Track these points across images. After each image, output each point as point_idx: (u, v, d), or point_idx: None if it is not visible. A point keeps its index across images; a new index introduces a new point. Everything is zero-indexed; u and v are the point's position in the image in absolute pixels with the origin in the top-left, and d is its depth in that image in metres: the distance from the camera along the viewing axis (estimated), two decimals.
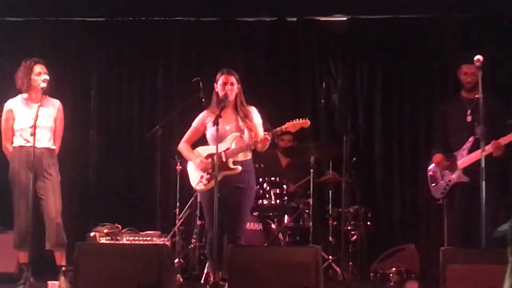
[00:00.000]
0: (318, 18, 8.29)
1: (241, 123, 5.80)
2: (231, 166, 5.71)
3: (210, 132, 5.81)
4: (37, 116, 6.04)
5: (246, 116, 5.82)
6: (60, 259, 6.37)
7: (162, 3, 7.94)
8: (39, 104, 6.18)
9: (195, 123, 5.99)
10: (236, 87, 5.82)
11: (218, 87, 5.85)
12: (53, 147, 6.53)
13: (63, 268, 6.02)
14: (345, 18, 8.27)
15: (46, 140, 6.46)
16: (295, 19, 8.32)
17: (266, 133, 5.66)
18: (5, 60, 7.95)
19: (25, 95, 6.48)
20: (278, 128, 5.69)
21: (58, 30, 8.33)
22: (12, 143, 6.45)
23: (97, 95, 8.37)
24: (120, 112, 8.39)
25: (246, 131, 5.80)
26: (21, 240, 6.27)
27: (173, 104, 8.12)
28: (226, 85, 5.78)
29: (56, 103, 6.63)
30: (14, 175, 6.38)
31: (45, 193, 6.38)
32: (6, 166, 6.50)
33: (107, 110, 8.38)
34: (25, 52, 7.89)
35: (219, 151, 5.63)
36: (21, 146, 6.36)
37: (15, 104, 6.50)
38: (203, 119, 5.94)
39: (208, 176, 5.75)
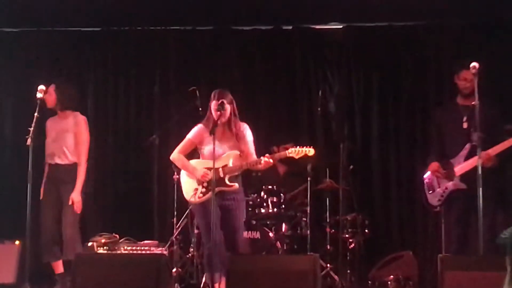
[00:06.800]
0: (313, 26, 8.29)
1: (237, 142, 5.85)
2: (228, 182, 5.78)
3: (208, 148, 5.78)
4: (33, 132, 6.06)
5: (240, 135, 5.87)
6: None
7: (158, 13, 7.93)
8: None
9: (191, 136, 5.96)
10: (229, 108, 5.80)
11: (212, 107, 5.85)
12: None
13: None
14: (340, 26, 8.28)
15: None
16: (290, 27, 8.32)
17: (268, 156, 5.71)
18: (1, 71, 7.98)
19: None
20: (282, 153, 5.82)
21: (54, 40, 8.33)
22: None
23: (93, 105, 8.37)
24: (116, 121, 8.38)
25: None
26: (49, 251, 6.44)
27: (170, 113, 8.11)
28: (217, 111, 5.75)
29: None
30: (45, 190, 6.59)
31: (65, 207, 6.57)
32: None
33: (103, 120, 8.37)
34: (21, 63, 7.93)
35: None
36: (57, 164, 6.59)
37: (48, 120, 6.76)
38: (199, 132, 5.91)
39: (204, 189, 5.78)
